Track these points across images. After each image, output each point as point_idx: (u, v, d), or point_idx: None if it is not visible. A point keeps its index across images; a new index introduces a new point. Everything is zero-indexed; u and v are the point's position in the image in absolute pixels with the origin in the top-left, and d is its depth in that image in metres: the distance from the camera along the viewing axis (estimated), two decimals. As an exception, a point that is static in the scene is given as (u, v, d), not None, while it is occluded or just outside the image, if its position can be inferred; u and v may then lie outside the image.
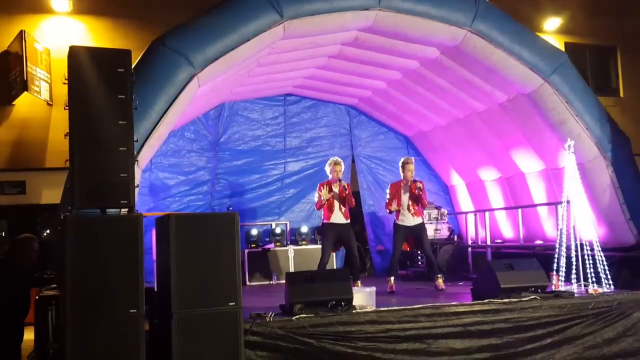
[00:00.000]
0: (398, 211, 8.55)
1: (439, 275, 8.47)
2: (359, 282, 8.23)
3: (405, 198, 8.51)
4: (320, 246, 10.37)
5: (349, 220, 8.43)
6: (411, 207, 8.47)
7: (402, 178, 8.65)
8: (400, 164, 8.73)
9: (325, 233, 8.45)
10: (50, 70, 11.58)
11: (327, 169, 8.47)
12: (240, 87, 10.29)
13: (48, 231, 7.36)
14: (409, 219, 8.51)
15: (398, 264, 11.00)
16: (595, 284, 7.27)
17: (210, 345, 5.06)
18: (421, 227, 8.60)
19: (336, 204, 8.29)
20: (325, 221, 8.39)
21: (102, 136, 5.05)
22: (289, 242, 10.98)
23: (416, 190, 8.38)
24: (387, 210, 8.75)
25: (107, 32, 12.13)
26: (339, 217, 8.30)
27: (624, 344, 6.77)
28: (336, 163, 8.38)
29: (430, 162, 12.47)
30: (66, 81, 5.10)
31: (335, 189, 8.30)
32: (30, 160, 11.54)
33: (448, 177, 12.33)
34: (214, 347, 5.07)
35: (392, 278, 8.48)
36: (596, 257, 7.35)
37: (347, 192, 8.24)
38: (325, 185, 8.33)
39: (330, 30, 8.32)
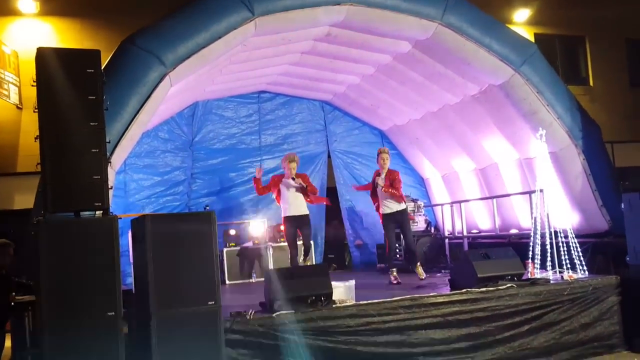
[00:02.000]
0: (379, 202, 8.62)
1: (418, 264, 8.58)
2: (307, 258, 8.62)
3: (380, 188, 8.55)
4: (298, 243, 10.46)
5: (306, 212, 8.60)
6: (388, 197, 8.54)
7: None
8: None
9: (285, 228, 8.65)
10: (19, 73, 11.40)
11: (282, 164, 8.65)
12: (213, 86, 10.23)
13: None
14: (393, 205, 8.54)
15: (377, 257, 11.11)
16: (570, 270, 7.37)
17: (190, 345, 5.03)
18: (403, 213, 8.62)
19: (290, 196, 8.46)
20: (283, 215, 8.60)
21: (73, 138, 5.00)
22: (267, 240, 10.95)
23: (390, 182, 8.53)
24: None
25: (76, 33, 11.97)
26: (294, 209, 8.50)
27: (599, 328, 6.90)
28: (290, 160, 8.48)
29: (405, 155, 12.53)
30: (35, 83, 5.03)
31: (292, 183, 8.45)
32: (1, 165, 11.36)
33: (423, 169, 12.40)
34: (195, 347, 5.04)
35: (395, 270, 8.50)
36: (570, 243, 7.45)
37: (304, 185, 8.42)
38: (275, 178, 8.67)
39: (302, 26, 8.31)
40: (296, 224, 8.53)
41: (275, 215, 11.49)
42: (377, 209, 8.77)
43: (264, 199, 11.57)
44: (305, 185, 8.45)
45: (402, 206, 8.61)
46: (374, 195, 8.79)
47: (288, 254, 8.80)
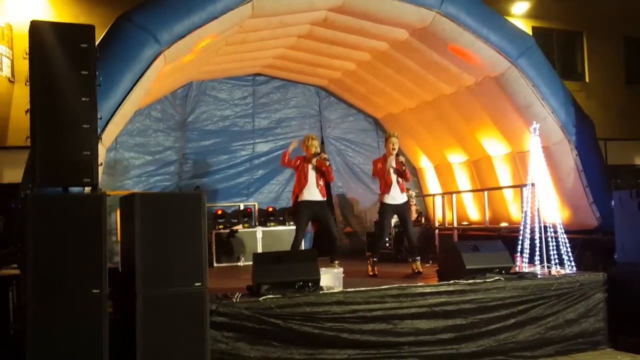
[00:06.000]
0: (384, 189, 8.19)
1: (418, 258, 8.16)
2: (336, 262, 7.79)
3: (393, 172, 8.13)
4: (289, 228, 10.41)
5: (325, 198, 8.07)
6: (399, 183, 8.12)
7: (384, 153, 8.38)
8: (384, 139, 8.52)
9: (299, 211, 8.00)
10: (12, 46, 11.28)
11: (304, 146, 8.08)
12: (208, 66, 10.16)
13: None
14: (397, 197, 8.13)
15: (367, 245, 11.09)
16: (558, 266, 7.39)
17: (175, 326, 5.00)
18: (406, 206, 8.29)
19: (312, 177, 7.93)
20: (298, 199, 7.97)
21: (64, 113, 4.93)
22: (257, 224, 10.92)
23: (401, 166, 8.08)
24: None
25: (71, 7, 11.85)
26: (314, 194, 7.91)
27: (585, 325, 6.91)
28: (313, 138, 8.07)
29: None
30: (27, 56, 4.96)
31: (313, 162, 7.98)
32: (-8, 138, 11.28)
33: (416, 159, 12.39)
34: (179, 328, 5.02)
35: (375, 260, 8.14)
36: (559, 239, 7.47)
37: (328, 165, 7.96)
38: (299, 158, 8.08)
39: (299, 10, 8.24)
40: (313, 210, 7.96)
41: (266, 199, 11.49)
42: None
43: (255, 181, 11.57)
44: (328, 162, 8.00)
45: (405, 197, 8.28)
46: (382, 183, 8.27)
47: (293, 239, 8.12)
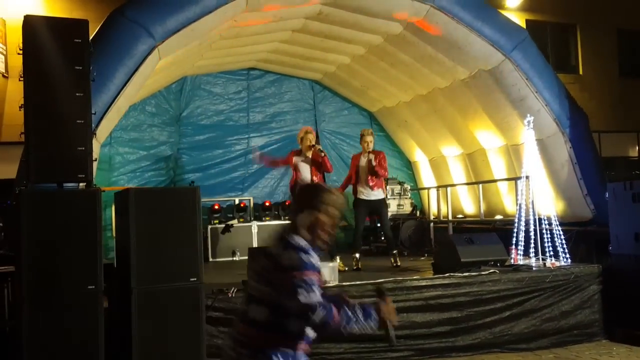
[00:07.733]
0: (356, 186, 8.25)
1: (395, 252, 8.22)
2: (337, 257, 7.70)
3: (363, 170, 8.18)
4: (284, 222, 10.39)
5: None
6: (369, 180, 8.11)
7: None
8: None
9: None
10: (6, 41, 11.20)
11: (299, 139, 8.14)
12: (202, 60, 10.12)
13: None
14: (368, 194, 8.16)
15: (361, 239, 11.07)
16: (552, 258, 7.41)
17: (171, 321, 5.01)
18: (381, 203, 8.28)
19: (307, 171, 7.96)
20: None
21: (58, 108, 4.93)
22: (252, 218, 10.92)
23: (371, 162, 8.08)
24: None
25: (65, 2, 11.77)
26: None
27: (580, 316, 6.95)
28: (307, 132, 8.13)
29: (393, 138, 12.52)
30: (21, 51, 4.94)
31: (308, 154, 8.01)
32: (-15, 134, 11.21)
33: (411, 153, 12.40)
34: (175, 324, 5.02)
35: (358, 255, 8.16)
36: (554, 231, 7.48)
37: (323, 155, 7.97)
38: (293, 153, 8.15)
39: (294, 4, 8.22)
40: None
41: (261, 194, 11.48)
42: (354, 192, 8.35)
43: (250, 176, 11.56)
44: (323, 154, 8.00)
45: (381, 195, 8.27)
46: (355, 179, 8.31)
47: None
